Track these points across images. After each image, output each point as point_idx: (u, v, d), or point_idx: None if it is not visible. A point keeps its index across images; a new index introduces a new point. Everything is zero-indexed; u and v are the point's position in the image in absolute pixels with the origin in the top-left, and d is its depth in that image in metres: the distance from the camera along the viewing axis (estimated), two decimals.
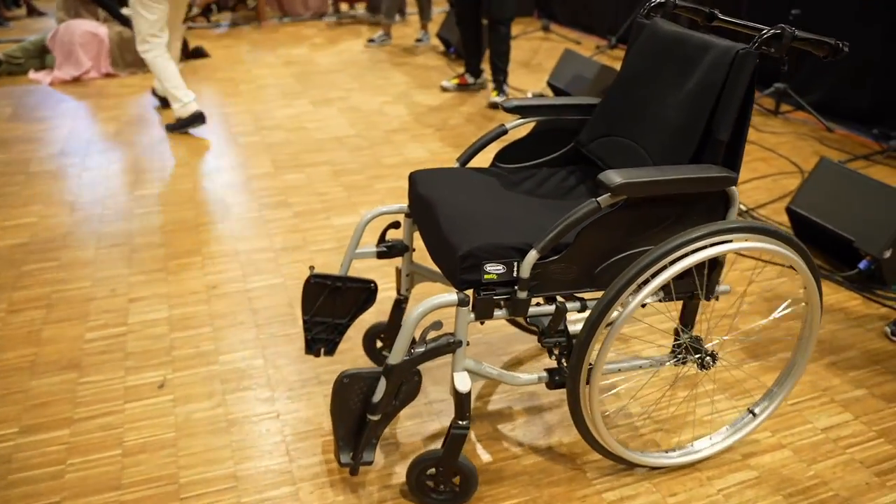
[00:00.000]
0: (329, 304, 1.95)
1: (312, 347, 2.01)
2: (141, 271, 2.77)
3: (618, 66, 4.82)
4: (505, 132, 1.94)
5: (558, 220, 1.46)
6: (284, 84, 5.31)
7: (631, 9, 6.12)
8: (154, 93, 4.80)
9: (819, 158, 2.94)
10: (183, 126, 4.28)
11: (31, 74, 5.49)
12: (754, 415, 1.86)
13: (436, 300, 1.50)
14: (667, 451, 1.84)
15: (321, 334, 1.99)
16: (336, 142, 4.11)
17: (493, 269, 1.48)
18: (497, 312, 1.55)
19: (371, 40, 6.53)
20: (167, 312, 2.51)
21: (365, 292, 1.99)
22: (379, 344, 2.20)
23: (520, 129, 2.06)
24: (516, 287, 1.51)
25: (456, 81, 5.05)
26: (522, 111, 1.92)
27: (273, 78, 5.47)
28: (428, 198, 1.72)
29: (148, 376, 2.20)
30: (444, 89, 5.07)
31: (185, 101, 4.21)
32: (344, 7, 7.99)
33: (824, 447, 1.92)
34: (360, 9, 7.99)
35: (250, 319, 2.47)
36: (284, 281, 2.69)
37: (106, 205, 3.35)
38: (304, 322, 1.97)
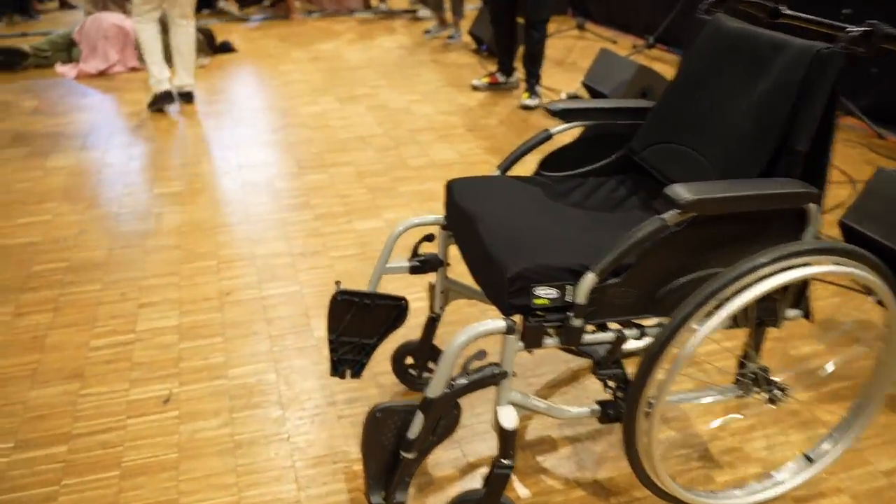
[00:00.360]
0: (356, 323, 1.80)
1: (338, 369, 1.86)
2: (153, 274, 2.65)
3: (656, 66, 4.62)
4: (549, 137, 1.77)
5: (612, 236, 1.30)
6: (311, 80, 5.18)
7: (669, 7, 5.90)
8: (179, 91, 4.67)
9: (876, 169, 2.73)
10: (155, 103, 4.46)
11: (58, 68, 5.42)
12: (810, 460, 1.67)
13: (480, 327, 1.34)
14: (715, 492, 1.66)
15: (347, 355, 1.84)
16: (361, 141, 3.97)
17: (545, 294, 1.31)
18: (547, 341, 1.38)
19: (427, 31, 6.54)
20: (177, 320, 2.38)
21: (395, 310, 1.83)
22: (409, 360, 2.04)
23: (562, 133, 1.89)
24: (570, 313, 1.34)
25: (487, 80, 4.88)
26: (569, 115, 1.75)
27: (300, 74, 5.35)
28: (468, 210, 1.56)
29: (153, 389, 2.07)
30: (475, 88, 4.90)
31: (158, 78, 4.39)
32: (374, 2, 7.85)
33: (888, 494, 1.73)
34: (395, 5, 7.83)
35: (264, 330, 2.33)
36: (301, 289, 2.55)
37: (122, 203, 3.24)
38: (330, 342, 1.82)
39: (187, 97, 4.62)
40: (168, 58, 4.56)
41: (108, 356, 2.22)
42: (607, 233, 1.44)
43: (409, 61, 5.69)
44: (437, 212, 3.15)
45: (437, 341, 1.97)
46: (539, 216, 1.54)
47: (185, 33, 4.43)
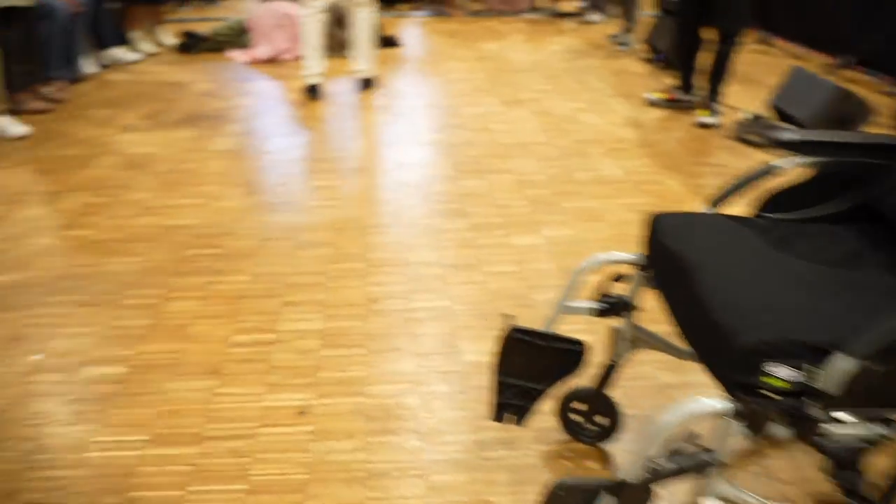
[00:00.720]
0: (526, 365, 1.58)
1: (501, 414, 1.65)
2: (301, 272, 2.56)
3: (855, 89, 4.11)
4: (771, 171, 1.48)
5: (865, 305, 1.03)
6: (474, 80, 5.02)
7: (870, 22, 5.26)
8: (359, 77, 4.64)
9: None
10: (306, 92, 4.52)
11: (231, 52, 5.57)
12: None
13: (696, 407, 1.10)
14: None
15: (513, 399, 1.63)
16: (522, 148, 3.75)
17: (783, 375, 1.05)
18: (776, 430, 1.12)
19: (614, 36, 6.25)
20: (321, 324, 2.27)
21: (570, 355, 1.59)
22: (576, 406, 1.81)
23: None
24: (809, 399, 1.08)
25: (664, 96, 4.52)
26: (804, 149, 1.45)
27: (463, 73, 5.21)
28: (680, 254, 1.31)
29: (289, 398, 1.95)
30: (650, 103, 4.56)
31: (306, 74, 4.46)
32: (544, 3, 7.62)
33: None
34: (563, 7, 7.57)
35: (408, 346, 2.17)
36: (451, 304, 2.37)
37: (278, 193, 3.21)
38: (499, 383, 1.62)
39: (367, 83, 4.60)
40: (334, 47, 4.56)
41: (247, 354, 2.13)
42: (855, 300, 1.15)
43: (576, 66, 5.42)
44: (600, 234, 2.89)
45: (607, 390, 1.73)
46: (767, 271, 1.26)
47: (364, 19, 4.41)
